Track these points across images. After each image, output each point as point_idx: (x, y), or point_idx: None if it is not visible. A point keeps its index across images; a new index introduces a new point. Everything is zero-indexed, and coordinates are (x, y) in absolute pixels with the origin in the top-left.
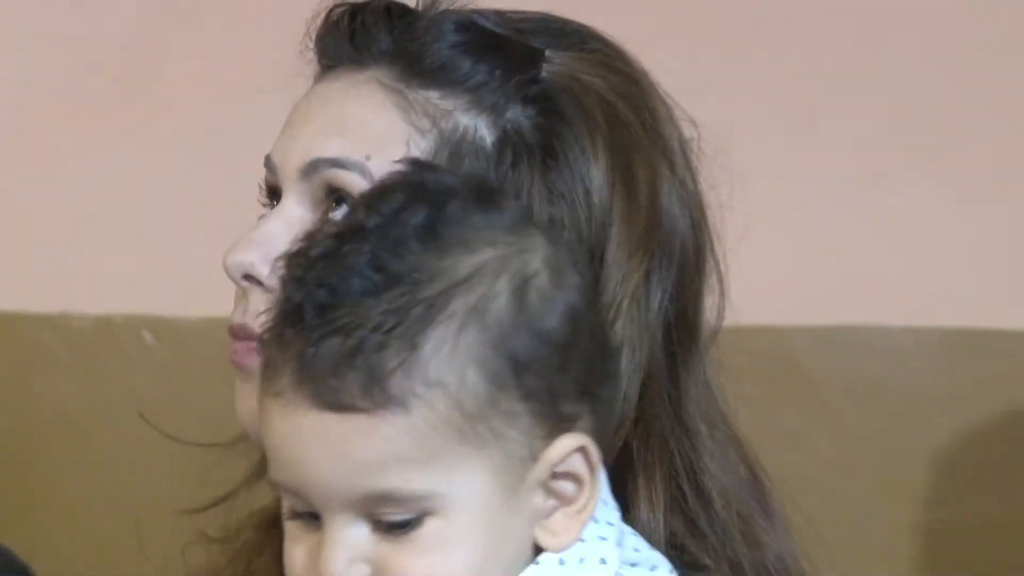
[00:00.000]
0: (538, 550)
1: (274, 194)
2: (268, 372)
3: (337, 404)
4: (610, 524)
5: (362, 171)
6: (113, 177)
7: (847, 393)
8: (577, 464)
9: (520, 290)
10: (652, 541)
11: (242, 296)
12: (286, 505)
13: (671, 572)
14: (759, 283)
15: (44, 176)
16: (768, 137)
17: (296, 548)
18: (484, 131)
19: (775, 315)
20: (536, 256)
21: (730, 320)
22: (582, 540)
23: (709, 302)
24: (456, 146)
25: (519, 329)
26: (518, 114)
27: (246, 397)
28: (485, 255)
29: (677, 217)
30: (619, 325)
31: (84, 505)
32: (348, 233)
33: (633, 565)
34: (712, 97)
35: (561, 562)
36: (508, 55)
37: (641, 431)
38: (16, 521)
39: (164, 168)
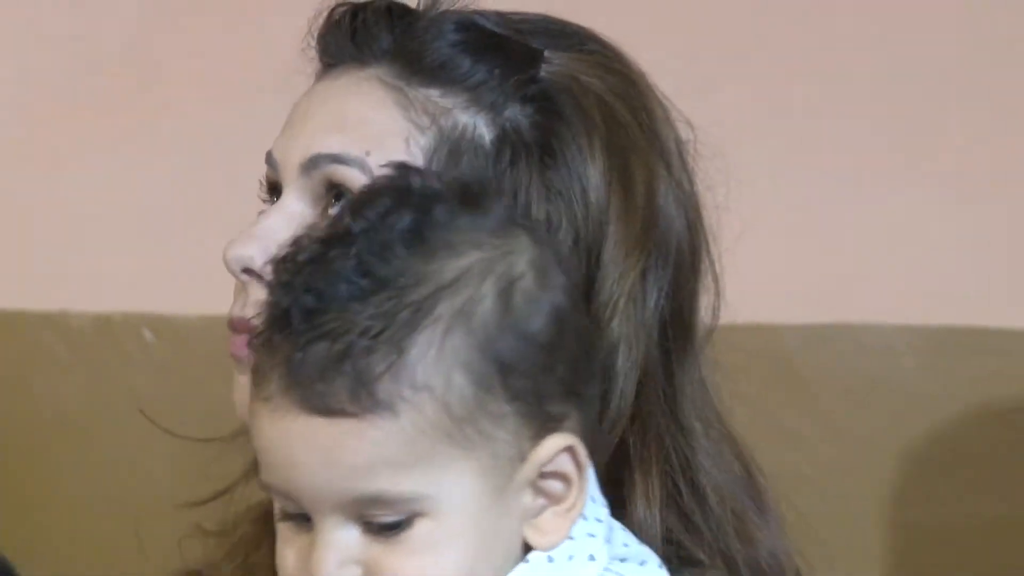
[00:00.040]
0: (528, 549)
1: (274, 190)
2: (257, 377)
3: (325, 409)
4: (599, 521)
5: (362, 167)
6: (113, 177)
7: (841, 391)
8: (565, 463)
9: (505, 293)
10: (648, 537)
11: (241, 290)
12: (277, 507)
13: (660, 567)
14: (754, 282)
15: (44, 176)
16: (763, 138)
17: (288, 550)
18: (483, 129)
19: (770, 313)
20: (521, 258)
21: (725, 318)
22: (571, 538)
23: (705, 301)
24: (455, 143)
25: (505, 331)
26: (517, 113)
27: (244, 389)
28: (471, 258)
29: (673, 217)
30: (615, 323)
31: (84, 502)
32: (335, 238)
33: (623, 560)
34: (708, 98)
35: (550, 560)
36: (507, 55)
37: (638, 428)
38: (16, 519)
39: (164, 168)
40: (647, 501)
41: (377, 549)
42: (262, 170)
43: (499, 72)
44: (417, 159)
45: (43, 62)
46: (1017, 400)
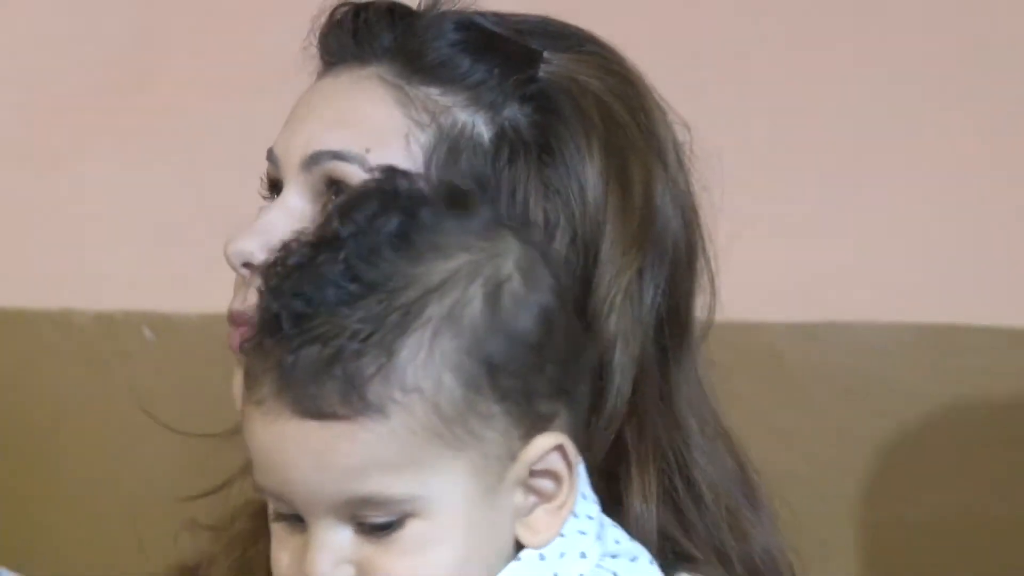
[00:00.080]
0: (519, 547)
1: (275, 187)
2: (249, 381)
3: (317, 412)
4: (590, 518)
5: (362, 163)
6: (114, 177)
7: (830, 387)
8: (555, 462)
9: (493, 294)
10: (644, 532)
11: (242, 284)
12: (271, 507)
13: (651, 563)
14: (745, 280)
15: (46, 176)
16: (754, 139)
17: (282, 551)
18: (482, 127)
19: (760, 311)
20: (508, 259)
21: (717, 315)
22: (562, 535)
23: (700, 300)
24: (454, 141)
25: (493, 333)
26: (515, 112)
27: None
28: (458, 261)
29: (670, 216)
30: (613, 319)
31: (85, 498)
32: (323, 242)
33: (614, 556)
34: (700, 99)
35: (542, 557)
36: (507, 55)
37: (635, 424)
38: (18, 514)
39: (164, 168)
40: (643, 496)
41: (370, 549)
42: (262, 170)
43: (498, 72)
44: (417, 156)
45: (44, 63)
46: (1003, 396)
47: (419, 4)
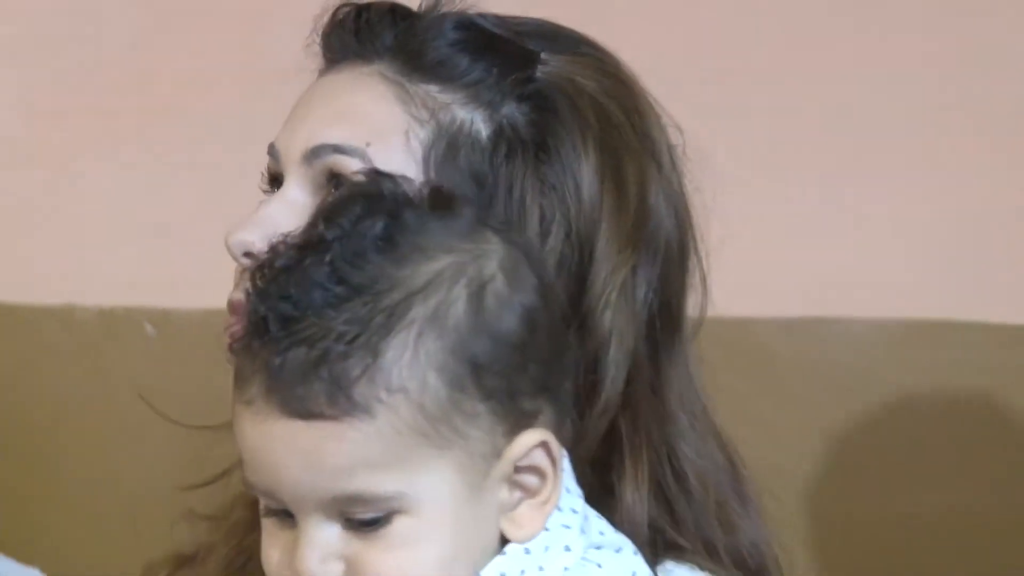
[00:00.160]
0: (505, 541)
1: (275, 182)
2: (239, 381)
3: (305, 412)
4: (574, 511)
5: (362, 157)
6: (116, 176)
7: (820, 383)
8: (539, 458)
9: (477, 295)
10: (635, 522)
11: (242, 274)
12: (262, 503)
13: (635, 553)
14: (733, 277)
15: (49, 176)
16: (746, 141)
17: (272, 547)
18: (480, 125)
19: (748, 307)
20: (492, 260)
21: (709, 312)
22: (547, 529)
23: (692, 298)
24: (453, 137)
25: (477, 333)
26: (513, 110)
27: None
28: (442, 262)
29: (663, 216)
30: (607, 315)
31: (87, 494)
32: (309, 245)
33: (598, 548)
34: (692, 100)
35: (527, 551)
36: (505, 55)
37: (629, 416)
38: (19, 511)
39: (165, 167)
40: (635, 486)
41: (358, 545)
42: (263, 167)
43: (497, 71)
44: (416, 152)
45: (46, 64)
46: (982, 390)
47: (420, 5)
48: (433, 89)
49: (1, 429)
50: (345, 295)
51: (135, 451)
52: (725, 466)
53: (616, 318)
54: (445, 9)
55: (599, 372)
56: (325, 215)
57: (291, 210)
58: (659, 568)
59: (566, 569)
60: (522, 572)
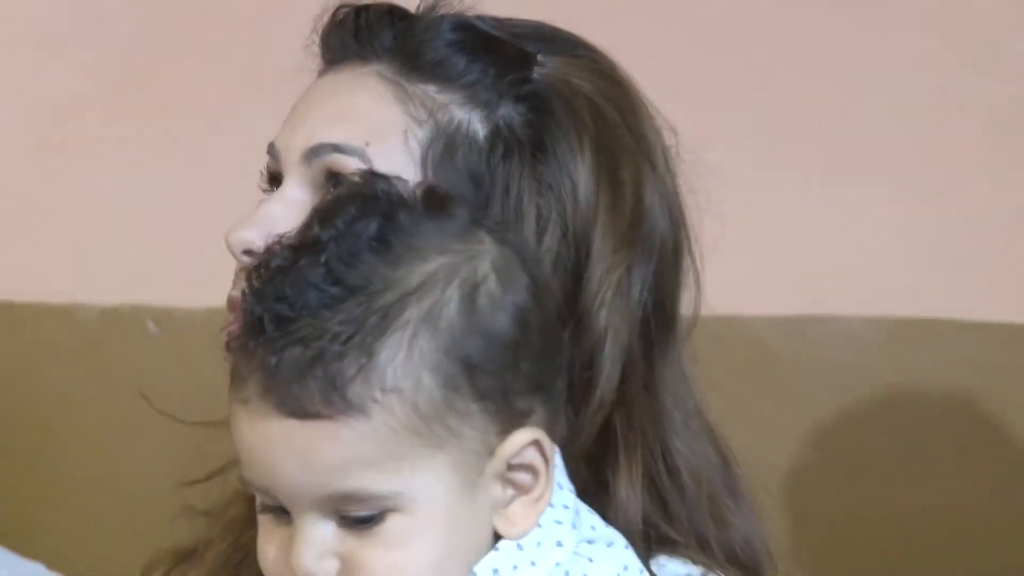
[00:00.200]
0: (498, 538)
1: (274, 181)
2: (235, 380)
3: (301, 411)
4: (566, 507)
5: (362, 157)
6: (118, 176)
7: (811, 379)
8: (532, 456)
9: (470, 296)
10: (628, 516)
11: (242, 272)
12: (258, 500)
13: (627, 547)
14: (728, 275)
15: (53, 177)
16: (737, 140)
17: (268, 543)
18: (477, 125)
19: (743, 305)
20: (485, 261)
21: (703, 310)
22: (539, 525)
23: (686, 297)
24: (451, 137)
25: (470, 334)
26: (510, 111)
27: None
28: (436, 263)
29: (658, 216)
30: (603, 313)
31: (90, 490)
32: (304, 246)
33: (590, 542)
34: (685, 101)
35: (520, 547)
36: (502, 56)
37: (623, 413)
38: (24, 504)
39: (167, 167)
40: (629, 481)
41: (353, 543)
42: (262, 168)
43: (494, 72)
44: (414, 151)
45: (49, 64)
46: (973, 387)
47: (418, 7)
48: (431, 89)
49: (3, 427)
50: (340, 295)
51: (138, 448)
52: (718, 462)
53: (611, 316)
54: (443, 11)
55: (594, 369)
56: (320, 216)
57: (291, 209)
58: (653, 562)
59: (558, 564)
60: (515, 567)
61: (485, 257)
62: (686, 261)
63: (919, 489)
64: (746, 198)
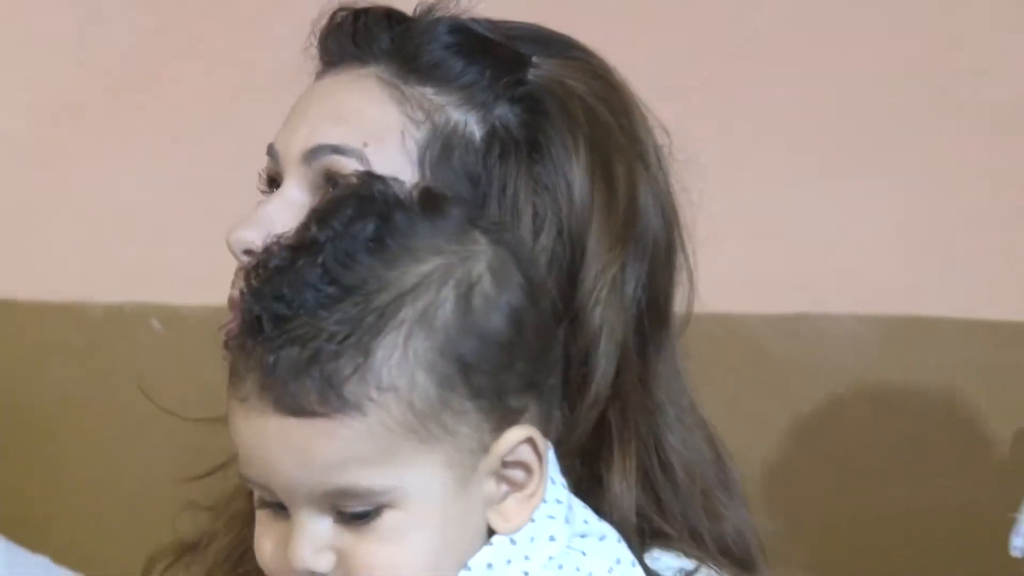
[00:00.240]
0: (492, 533)
1: (273, 182)
2: (234, 378)
3: (298, 409)
4: (558, 502)
5: (360, 158)
6: (124, 176)
7: (806, 377)
8: (525, 453)
9: (465, 296)
10: (622, 510)
11: (242, 271)
12: (256, 495)
13: (619, 541)
14: (724, 273)
15: (56, 173)
16: (732, 140)
17: (265, 538)
18: (474, 126)
19: (739, 303)
20: (480, 261)
21: (696, 307)
22: (532, 520)
23: (679, 294)
24: (447, 138)
25: (465, 334)
26: (506, 112)
27: None
28: (431, 264)
29: (651, 214)
30: (598, 311)
31: (94, 487)
32: (302, 246)
33: (583, 536)
34: (679, 101)
35: (513, 542)
36: (498, 58)
37: (618, 408)
38: (27, 500)
39: (171, 167)
40: (623, 475)
41: (350, 538)
42: (261, 171)
43: (489, 73)
44: (412, 152)
45: (54, 65)
46: (966, 385)
47: (415, 10)
48: (428, 91)
49: (7, 425)
50: (337, 296)
51: (143, 446)
52: (711, 457)
53: (606, 313)
54: (439, 14)
55: (589, 366)
56: (318, 217)
57: (290, 209)
58: (647, 555)
59: (551, 558)
60: (508, 562)
61: (480, 257)
62: (679, 259)
63: (916, 489)
64: (745, 197)
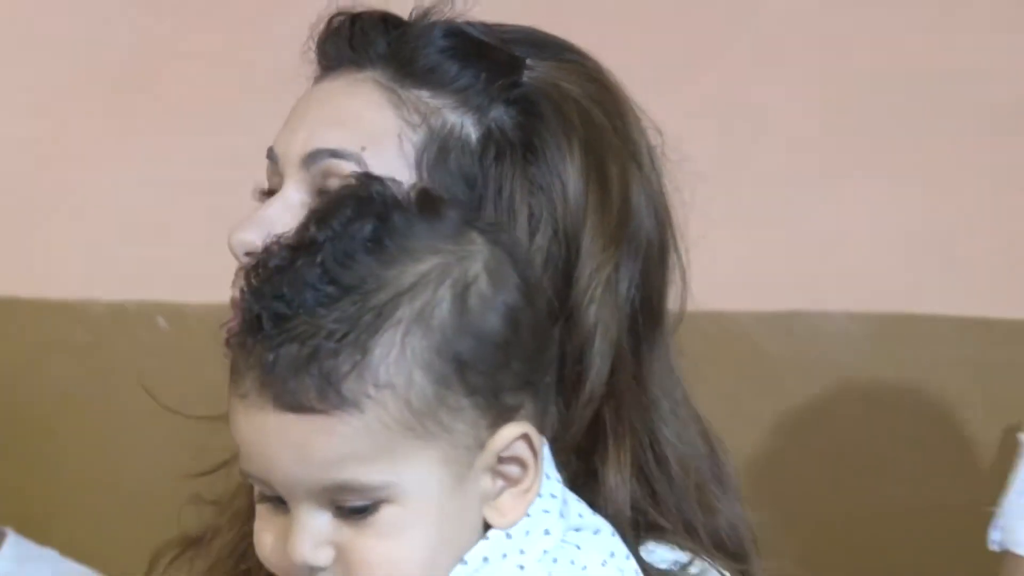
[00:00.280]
0: (488, 527)
1: (272, 184)
2: (234, 375)
3: (297, 406)
4: (553, 496)
5: (358, 161)
6: (128, 177)
7: (799, 374)
8: (521, 450)
9: (461, 296)
10: (617, 503)
11: (242, 271)
12: (257, 490)
13: (613, 534)
14: (718, 272)
15: (60, 172)
16: (726, 139)
17: (265, 532)
18: (470, 128)
19: (733, 301)
20: (476, 261)
21: (690, 306)
22: (527, 515)
23: (672, 292)
24: (444, 140)
25: (461, 332)
26: (501, 114)
27: None
28: (428, 263)
29: (644, 214)
30: (592, 310)
31: (99, 483)
32: (301, 246)
33: (577, 530)
34: (673, 100)
35: (508, 536)
36: (493, 61)
37: (613, 405)
38: (31, 496)
39: (175, 168)
40: (618, 469)
41: (348, 532)
42: (256, 186)
43: (484, 76)
44: (409, 155)
45: (54, 65)
46: (959, 382)
47: (411, 15)
48: (424, 94)
49: (9, 423)
50: (335, 295)
51: (144, 444)
52: (705, 451)
53: (601, 312)
54: (435, 18)
55: (584, 364)
56: (317, 217)
57: (290, 210)
58: (642, 548)
59: (546, 552)
60: (504, 556)
61: (477, 258)
62: (672, 258)
63: (908, 484)
64: (744, 196)
